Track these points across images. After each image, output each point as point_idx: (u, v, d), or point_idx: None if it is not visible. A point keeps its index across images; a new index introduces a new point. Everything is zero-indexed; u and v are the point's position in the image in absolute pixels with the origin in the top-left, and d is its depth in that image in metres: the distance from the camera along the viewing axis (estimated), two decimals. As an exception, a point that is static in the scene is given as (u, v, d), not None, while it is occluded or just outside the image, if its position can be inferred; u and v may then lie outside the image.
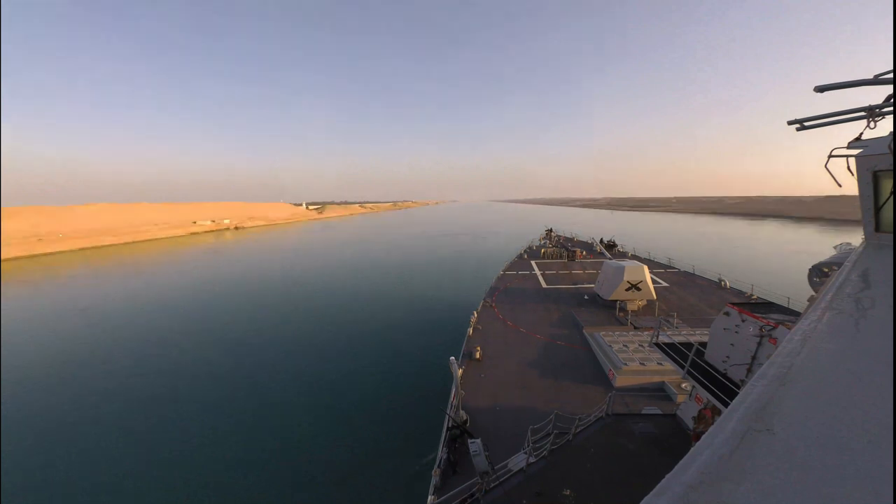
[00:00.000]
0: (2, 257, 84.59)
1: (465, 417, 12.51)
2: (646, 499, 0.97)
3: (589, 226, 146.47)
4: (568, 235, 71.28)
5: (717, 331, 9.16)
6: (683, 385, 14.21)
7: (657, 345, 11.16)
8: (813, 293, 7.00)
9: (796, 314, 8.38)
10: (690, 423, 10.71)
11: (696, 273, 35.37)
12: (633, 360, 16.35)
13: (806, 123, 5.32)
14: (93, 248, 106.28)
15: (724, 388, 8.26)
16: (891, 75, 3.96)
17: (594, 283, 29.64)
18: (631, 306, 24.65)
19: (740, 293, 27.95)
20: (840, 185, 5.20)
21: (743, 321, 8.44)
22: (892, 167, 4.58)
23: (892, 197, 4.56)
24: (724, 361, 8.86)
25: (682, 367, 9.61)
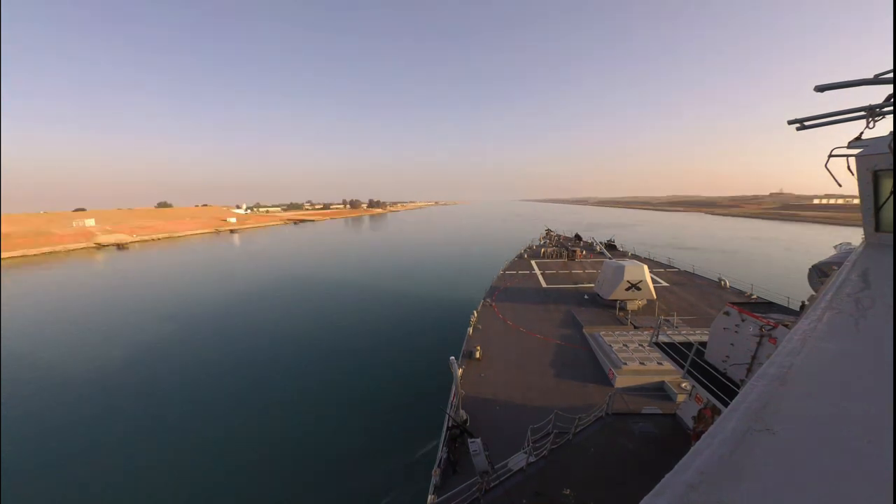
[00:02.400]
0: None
1: (465, 417, 12.50)
2: (646, 498, 0.97)
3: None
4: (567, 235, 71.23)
5: (717, 330, 9.16)
6: (683, 385, 14.20)
7: (657, 344, 11.16)
8: (813, 293, 7.00)
9: (796, 314, 8.38)
10: (690, 423, 10.71)
11: (696, 273, 35.35)
12: (633, 359, 16.35)
13: (806, 123, 5.32)
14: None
15: (723, 388, 8.27)
16: (891, 75, 3.95)
17: (594, 283, 29.63)
18: (631, 306, 24.63)
19: (740, 293, 27.95)
20: (840, 185, 5.20)
21: (743, 321, 8.44)
22: (892, 167, 4.57)
23: (892, 197, 4.56)
24: (723, 361, 8.86)
25: (682, 366, 9.61)
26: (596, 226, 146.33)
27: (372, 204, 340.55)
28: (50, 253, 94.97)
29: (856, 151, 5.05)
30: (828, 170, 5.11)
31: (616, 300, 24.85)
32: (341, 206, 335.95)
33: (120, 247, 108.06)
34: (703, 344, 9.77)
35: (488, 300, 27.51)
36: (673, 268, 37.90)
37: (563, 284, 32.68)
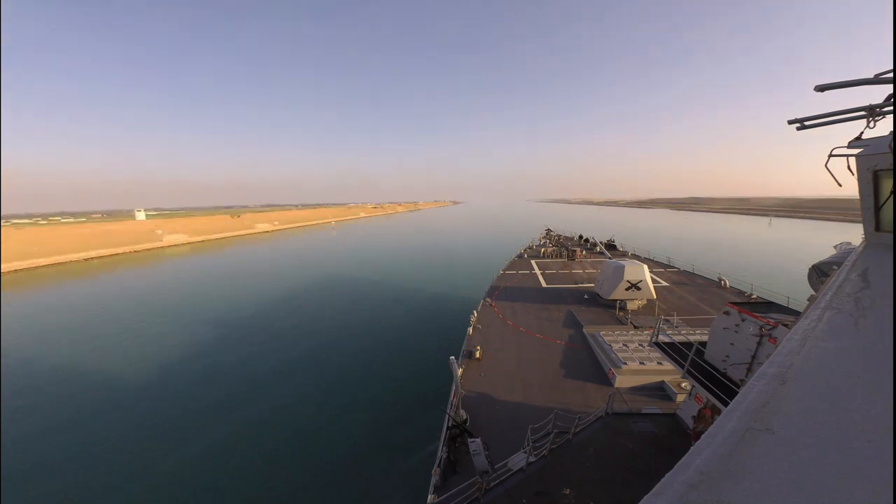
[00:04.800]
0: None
1: (465, 416, 12.50)
2: (645, 498, 0.98)
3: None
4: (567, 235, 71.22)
5: (716, 330, 9.17)
6: (683, 384, 14.21)
7: (657, 344, 11.17)
8: (813, 293, 6.99)
9: (796, 314, 8.39)
10: (690, 423, 10.72)
11: (696, 272, 35.35)
12: (633, 359, 16.35)
13: (806, 123, 5.32)
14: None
15: (723, 388, 8.27)
16: (891, 75, 3.96)
17: (594, 283, 29.64)
18: (631, 306, 24.63)
19: (740, 293, 27.94)
20: (840, 185, 5.20)
21: (743, 321, 8.45)
22: (892, 166, 4.57)
23: (892, 196, 4.56)
24: (723, 361, 8.87)
25: (682, 366, 9.62)
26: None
27: None
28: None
29: (856, 151, 5.04)
30: (828, 170, 5.11)
31: (616, 300, 24.85)
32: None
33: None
34: (703, 344, 9.78)
35: (488, 300, 27.51)
36: (673, 267, 37.89)
37: (563, 284, 32.66)
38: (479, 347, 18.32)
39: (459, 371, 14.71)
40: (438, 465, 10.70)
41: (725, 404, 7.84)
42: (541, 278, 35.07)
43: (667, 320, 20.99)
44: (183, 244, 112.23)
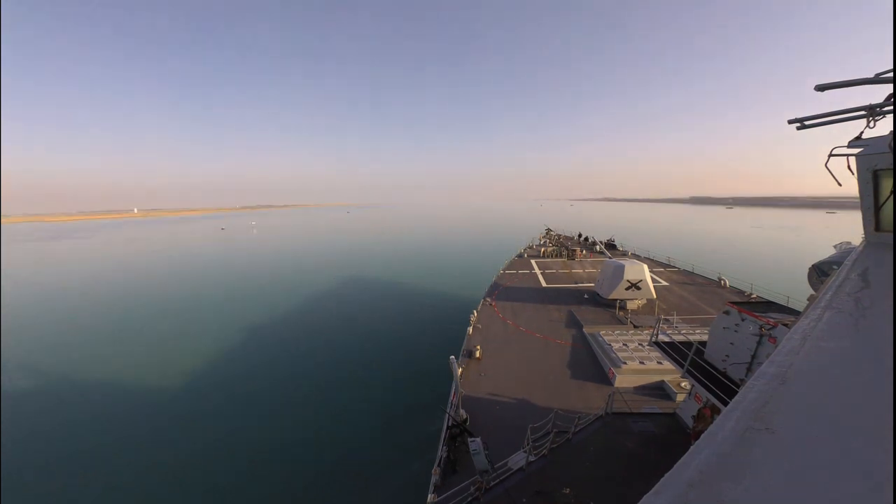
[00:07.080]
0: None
1: (464, 416, 12.50)
2: (645, 497, 0.98)
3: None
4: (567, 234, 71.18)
5: (716, 330, 9.18)
6: (683, 384, 14.22)
7: (657, 343, 11.18)
8: (813, 293, 7.00)
9: (796, 313, 8.40)
10: (690, 422, 10.73)
11: (696, 272, 35.34)
12: (633, 359, 16.36)
13: (806, 122, 5.31)
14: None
15: (723, 387, 8.28)
16: (891, 74, 3.96)
17: (594, 283, 29.65)
18: (631, 305, 24.64)
19: (740, 292, 27.93)
20: (840, 185, 5.20)
21: (743, 320, 8.46)
22: (892, 166, 4.57)
23: (892, 196, 4.56)
24: (723, 360, 8.88)
25: (682, 365, 9.63)
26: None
27: None
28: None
29: (856, 151, 5.04)
30: (828, 169, 5.11)
31: (616, 299, 24.86)
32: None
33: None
34: (703, 343, 9.79)
35: (488, 299, 27.50)
36: (673, 267, 37.89)
37: (562, 284, 32.65)
38: (479, 347, 18.31)
39: (459, 371, 14.71)
40: (438, 465, 10.70)
41: (725, 404, 7.84)
42: (541, 278, 35.05)
43: (667, 320, 20.99)
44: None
